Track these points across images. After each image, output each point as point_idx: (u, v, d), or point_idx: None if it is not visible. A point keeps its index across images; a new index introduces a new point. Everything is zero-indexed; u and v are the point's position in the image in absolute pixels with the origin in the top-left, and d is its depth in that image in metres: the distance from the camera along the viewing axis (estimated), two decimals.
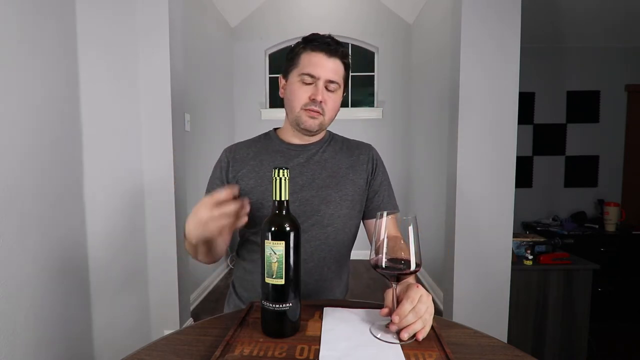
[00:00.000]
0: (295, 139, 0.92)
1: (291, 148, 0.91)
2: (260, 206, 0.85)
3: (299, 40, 0.87)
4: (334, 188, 0.88)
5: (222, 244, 0.84)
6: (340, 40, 0.90)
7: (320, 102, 0.83)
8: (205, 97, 2.92)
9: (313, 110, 0.83)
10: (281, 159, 0.89)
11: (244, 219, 0.65)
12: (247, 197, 0.65)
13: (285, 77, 0.89)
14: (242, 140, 0.97)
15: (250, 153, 0.91)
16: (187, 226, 0.67)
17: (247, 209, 0.65)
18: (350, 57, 0.89)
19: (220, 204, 0.62)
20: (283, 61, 0.91)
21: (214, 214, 0.62)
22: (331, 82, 0.84)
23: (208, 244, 0.73)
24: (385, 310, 0.62)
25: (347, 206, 0.88)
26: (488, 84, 1.73)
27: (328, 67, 0.83)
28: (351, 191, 0.89)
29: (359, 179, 0.91)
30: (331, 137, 0.97)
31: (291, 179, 0.86)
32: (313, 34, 0.86)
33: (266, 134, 0.97)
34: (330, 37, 0.85)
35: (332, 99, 0.85)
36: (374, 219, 0.62)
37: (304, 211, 0.85)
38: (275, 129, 0.98)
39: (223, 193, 0.62)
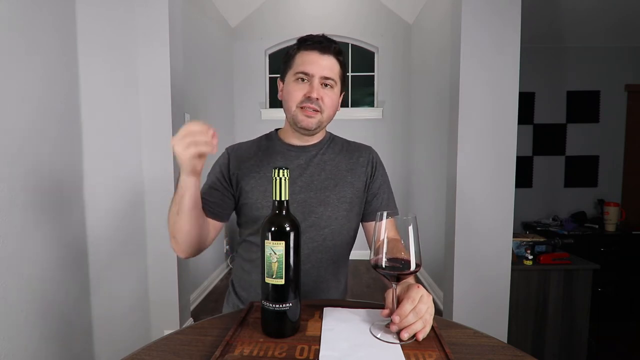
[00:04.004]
0: (295, 140, 0.91)
1: (291, 149, 0.91)
2: (260, 206, 0.85)
3: (296, 41, 0.88)
4: (332, 190, 0.88)
5: (203, 231, 0.82)
6: (340, 40, 0.90)
7: (317, 99, 0.82)
8: (205, 97, 2.92)
9: (309, 108, 0.83)
10: (281, 160, 0.89)
11: (214, 149, 0.69)
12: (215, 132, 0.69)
13: (282, 79, 0.89)
14: (242, 139, 0.98)
15: (251, 153, 0.91)
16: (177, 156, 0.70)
17: (215, 141, 0.68)
18: (344, 54, 0.89)
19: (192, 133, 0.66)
20: (281, 61, 0.91)
21: (185, 140, 0.65)
22: (326, 78, 0.83)
23: (190, 209, 0.74)
24: (385, 312, 0.62)
25: (345, 208, 0.88)
26: (488, 84, 1.73)
27: (322, 65, 0.83)
28: (349, 193, 0.89)
29: (357, 181, 0.91)
30: (331, 139, 0.97)
31: (291, 181, 0.85)
32: (306, 35, 0.86)
33: (267, 135, 0.96)
34: (323, 36, 0.85)
35: (329, 96, 0.85)
36: (373, 222, 0.62)
37: (302, 212, 0.85)
38: (277, 130, 0.97)
39: (197, 125, 0.66)
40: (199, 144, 0.66)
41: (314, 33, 0.87)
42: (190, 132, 0.65)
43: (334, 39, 0.87)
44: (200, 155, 0.68)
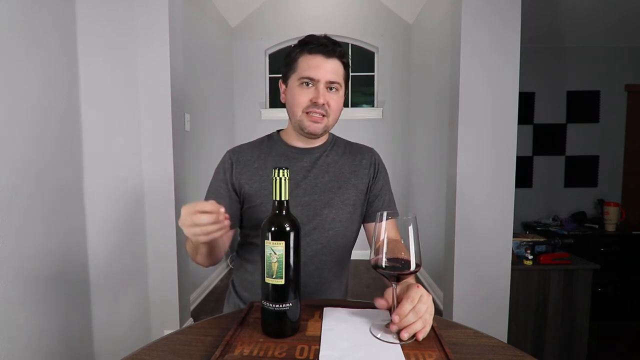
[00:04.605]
0: (298, 142, 0.91)
1: (295, 152, 0.91)
2: (265, 210, 0.85)
3: (296, 42, 0.86)
4: (336, 192, 0.88)
5: (222, 246, 0.85)
6: (340, 40, 0.89)
7: (324, 104, 0.82)
8: (205, 97, 2.92)
9: (316, 113, 0.82)
10: (285, 162, 0.89)
11: (227, 228, 0.64)
12: (225, 209, 0.64)
13: (285, 82, 0.88)
14: (243, 140, 0.97)
15: (253, 155, 0.90)
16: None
17: (228, 222, 0.64)
18: (349, 56, 0.88)
19: (199, 212, 0.61)
20: (283, 62, 0.90)
21: (191, 220, 0.61)
22: (332, 83, 0.83)
23: (209, 245, 0.74)
24: (382, 302, 0.62)
25: (348, 210, 0.88)
26: (488, 84, 1.73)
27: (327, 69, 0.82)
28: (353, 195, 0.89)
29: (360, 183, 0.91)
30: (334, 141, 0.96)
31: (295, 183, 0.86)
32: (309, 36, 0.84)
33: (269, 136, 0.96)
34: (326, 37, 0.84)
35: (335, 100, 0.84)
36: (374, 222, 0.62)
37: (306, 215, 0.85)
38: (279, 131, 0.97)
39: (207, 205, 0.62)
40: (213, 234, 0.62)
41: (316, 33, 0.86)
42: (200, 226, 0.61)
43: (334, 39, 0.86)
44: None
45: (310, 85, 0.82)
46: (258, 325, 0.62)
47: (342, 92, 0.87)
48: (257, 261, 0.89)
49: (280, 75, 0.91)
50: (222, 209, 0.62)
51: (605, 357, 1.99)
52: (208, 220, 0.61)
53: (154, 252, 1.90)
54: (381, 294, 0.65)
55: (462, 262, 1.79)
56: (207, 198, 0.89)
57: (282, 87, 0.91)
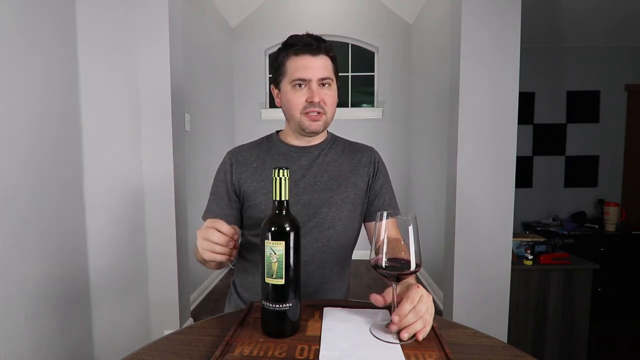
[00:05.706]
0: (297, 141, 0.92)
1: (293, 150, 0.91)
2: (264, 208, 0.85)
3: (280, 46, 0.86)
4: (336, 190, 0.88)
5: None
6: (340, 40, 0.89)
7: (319, 102, 0.83)
8: (205, 97, 2.92)
9: (314, 112, 0.83)
10: (284, 161, 0.90)
11: (231, 258, 0.69)
12: (236, 228, 0.70)
13: (277, 86, 0.89)
14: (243, 140, 0.98)
15: (252, 155, 0.92)
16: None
17: (235, 252, 0.68)
18: (334, 48, 0.88)
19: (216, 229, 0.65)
20: (272, 67, 0.90)
21: (205, 233, 0.65)
22: (324, 79, 0.83)
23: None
24: (378, 298, 0.62)
25: (348, 209, 0.88)
26: (488, 84, 1.73)
27: (316, 67, 0.82)
28: (353, 194, 0.90)
29: (360, 181, 0.92)
30: (333, 140, 0.97)
31: (294, 182, 0.86)
32: (291, 37, 0.85)
33: (268, 137, 0.97)
34: (309, 35, 0.85)
35: (329, 96, 0.85)
36: (375, 221, 0.63)
37: (306, 213, 0.85)
38: (278, 132, 0.98)
39: (224, 226, 0.65)
40: (216, 255, 0.66)
41: (297, 34, 0.86)
42: (210, 241, 0.65)
43: (334, 39, 0.87)
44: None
45: (303, 85, 0.83)
46: (258, 325, 0.62)
47: (334, 86, 0.88)
48: (258, 262, 0.88)
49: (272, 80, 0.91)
50: (236, 236, 0.67)
51: (605, 357, 1.99)
52: (218, 239, 0.64)
53: (154, 252, 1.90)
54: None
55: (462, 262, 1.79)
56: (209, 199, 0.92)
57: (274, 91, 0.92)
